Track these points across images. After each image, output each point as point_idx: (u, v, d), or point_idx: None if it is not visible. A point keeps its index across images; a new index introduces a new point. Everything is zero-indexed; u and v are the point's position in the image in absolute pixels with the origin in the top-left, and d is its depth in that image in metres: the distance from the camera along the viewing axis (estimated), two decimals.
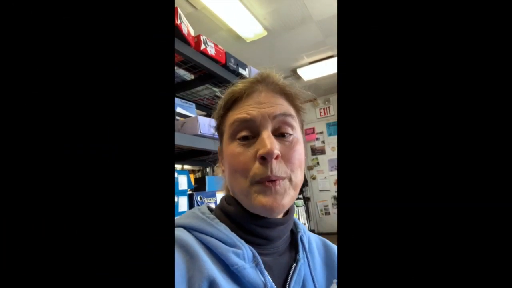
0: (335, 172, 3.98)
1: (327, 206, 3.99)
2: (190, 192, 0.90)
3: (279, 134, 0.37)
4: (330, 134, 4.10)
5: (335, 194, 3.95)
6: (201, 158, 1.44)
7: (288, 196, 0.36)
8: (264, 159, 0.34)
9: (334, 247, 0.47)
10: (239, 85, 0.40)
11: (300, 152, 0.37)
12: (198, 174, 1.82)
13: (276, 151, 0.34)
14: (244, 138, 0.37)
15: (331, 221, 3.89)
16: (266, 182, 0.34)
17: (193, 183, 1.07)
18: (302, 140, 0.39)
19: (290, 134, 0.37)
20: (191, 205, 0.88)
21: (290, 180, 0.36)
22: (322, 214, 4.02)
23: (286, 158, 0.36)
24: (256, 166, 0.35)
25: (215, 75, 1.20)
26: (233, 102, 0.39)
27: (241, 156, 0.36)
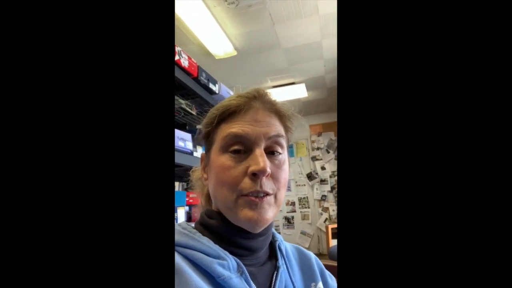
0: (288, 193, 4.08)
1: (277, 226, 4.05)
2: None
3: (270, 151, 0.38)
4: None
5: (287, 214, 4.04)
6: None
7: (272, 212, 0.37)
8: (255, 175, 0.35)
9: (308, 252, 0.49)
10: (235, 99, 0.40)
11: (286, 171, 0.39)
12: None
13: (269, 170, 0.36)
14: (236, 152, 0.37)
15: None
16: (253, 197, 0.35)
17: None
18: (287, 159, 0.41)
19: (280, 153, 0.39)
20: None
21: (275, 197, 0.38)
22: None
23: (274, 176, 0.37)
24: (246, 181, 0.36)
25: (185, 87, 1.19)
26: (229, 114, 0.39)
27: (232, 169, 0.36)
